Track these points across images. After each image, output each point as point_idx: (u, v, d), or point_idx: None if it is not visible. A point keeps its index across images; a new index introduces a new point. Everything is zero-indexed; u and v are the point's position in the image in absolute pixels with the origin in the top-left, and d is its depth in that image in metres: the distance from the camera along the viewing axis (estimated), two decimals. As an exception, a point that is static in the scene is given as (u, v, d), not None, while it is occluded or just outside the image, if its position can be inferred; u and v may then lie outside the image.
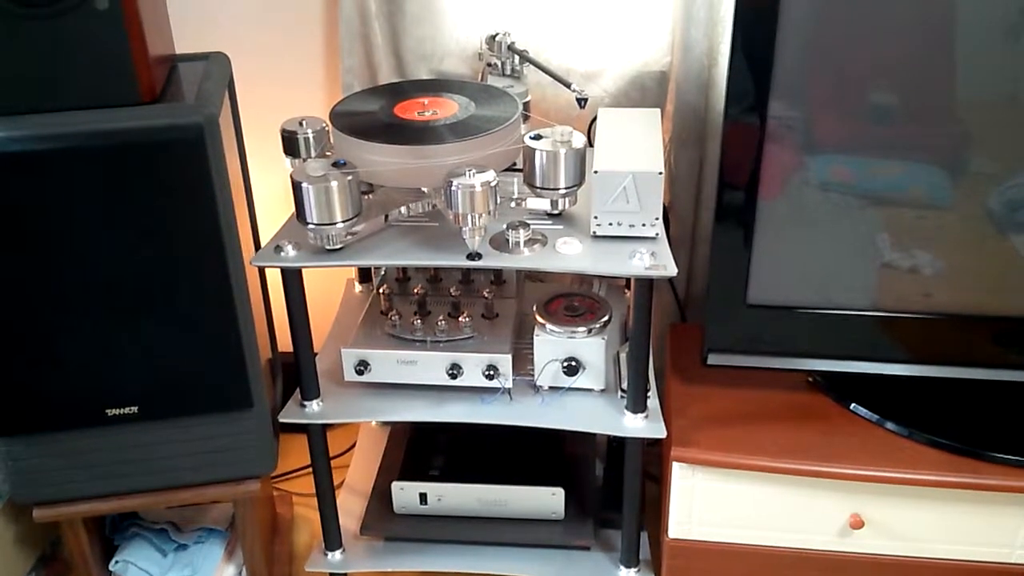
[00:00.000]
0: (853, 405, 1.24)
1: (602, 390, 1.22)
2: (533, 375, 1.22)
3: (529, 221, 1.14)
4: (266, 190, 1.41)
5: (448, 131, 1.14)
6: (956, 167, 1.09)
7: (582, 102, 1.25)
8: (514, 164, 1.18)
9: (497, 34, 1.33)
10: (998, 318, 1.16)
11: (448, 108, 1.20)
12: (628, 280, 1.34)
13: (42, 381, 1.13)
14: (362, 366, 1.22)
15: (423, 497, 1.34)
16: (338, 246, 1.11)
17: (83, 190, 1.05)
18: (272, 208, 1.40)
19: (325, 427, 1.25)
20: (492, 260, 1.10)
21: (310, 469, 1.29)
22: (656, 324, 1.44)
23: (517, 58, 1.33)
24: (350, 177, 1.07)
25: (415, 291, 1.30)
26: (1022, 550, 1.16)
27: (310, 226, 1.09)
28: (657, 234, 1.12)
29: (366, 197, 1.20)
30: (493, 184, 1.05)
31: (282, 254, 1.12)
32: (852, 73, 1.06)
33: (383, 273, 1.38)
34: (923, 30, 1.04)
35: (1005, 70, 1.03)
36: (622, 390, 1.19)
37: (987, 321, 1.16)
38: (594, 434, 1.42)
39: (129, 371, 1.15)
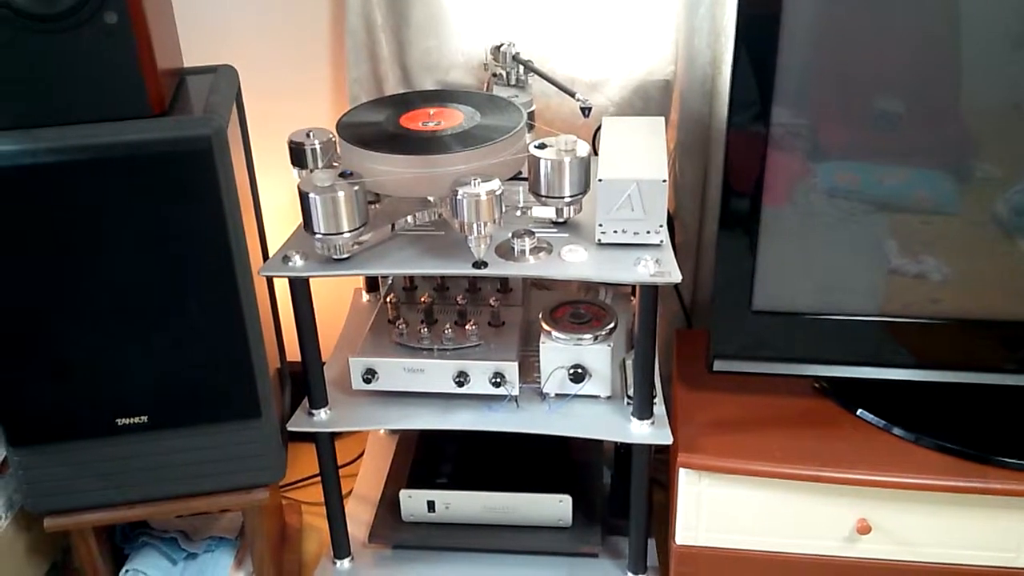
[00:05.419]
0: (860, 411, 1.24)
1: (608, 397, 1.22)
2: (539, 382, 1.22)
3: (534, 229, 1.15)
4: (274, 201, 1.42)
5: (454, 141, 1.15)
6: (962, 172, 1.09)
7: (586, 111, 1.26)
8: (519, 173, 1.19)
9: (502, 44, 1.34)
10: (1006, 322, 1.15)
11: (453, 118, 1.21)
12: (634, 287, 1.35)
13: (53, 391, 1.14)
14: (369, 375, 1.23)
15: (431, 505, 1.34)
16: (345, 256, 1.12)
17: (92, 202, 1.06)
18: (280, 219, 1.41)
19: (333, 435, 1.26)
20: (498, 268, 1.11)
21: (318, 478, 1.29)
22: (662, 331, 1.45)
23: (522, 68, 1.34)
24: (357, 187, 1.08)
25: (422, 300, 1.30)
26: (1030, 555, 1.16)
27: (317, 236, 1.09)
28: (662, 241, 1.12)
29: (373, 207, 1.21)
30: (498, 193, 1.06)
31: (290, 264, 1.12)
32: (856, 80, 1.06)
33: (390, 282, 1.38)
34: (927, 36, 1.04)
35: (1010, 75, 1.03)
36: (628, 397, 1.20)
37: (995, 326, 1.16)
38: (601, 441, 1.42)
39: (139, 381, 1.16)
